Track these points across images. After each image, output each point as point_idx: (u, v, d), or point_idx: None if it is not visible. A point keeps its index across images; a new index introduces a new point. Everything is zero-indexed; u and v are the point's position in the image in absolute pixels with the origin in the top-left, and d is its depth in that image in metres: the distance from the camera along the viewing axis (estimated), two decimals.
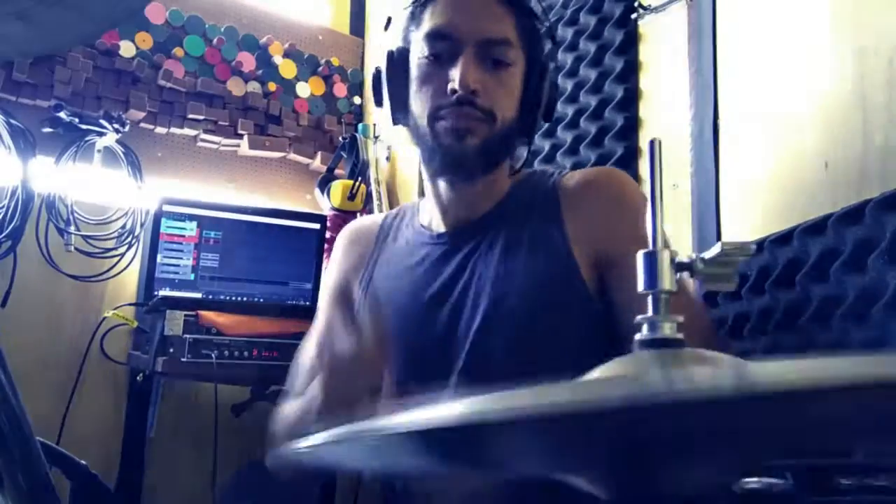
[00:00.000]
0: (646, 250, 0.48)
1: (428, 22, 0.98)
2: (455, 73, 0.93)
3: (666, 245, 0.48)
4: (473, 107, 0.94)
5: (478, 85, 0.94)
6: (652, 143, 0.49)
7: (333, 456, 0.43)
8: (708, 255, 0.48)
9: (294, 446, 0.41)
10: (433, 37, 0.97)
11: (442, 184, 1.02)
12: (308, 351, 1.06)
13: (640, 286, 0.48)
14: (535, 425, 0.31)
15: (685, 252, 0.52)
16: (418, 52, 0.99)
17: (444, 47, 0.96)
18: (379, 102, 1.04)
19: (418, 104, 0.99)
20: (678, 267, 0.48)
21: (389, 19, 1.10)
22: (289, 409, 0.97)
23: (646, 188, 0.50)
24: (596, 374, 0.45)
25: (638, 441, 0.34)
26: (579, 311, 0.94)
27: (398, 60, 1.01)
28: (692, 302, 0.92)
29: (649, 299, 0.47)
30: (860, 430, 0.35)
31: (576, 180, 1.01)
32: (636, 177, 1.31)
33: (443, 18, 0.97)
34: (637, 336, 0.47)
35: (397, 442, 0.35)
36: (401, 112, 1.02)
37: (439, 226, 1.05)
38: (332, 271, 1.14)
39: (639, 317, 0.47)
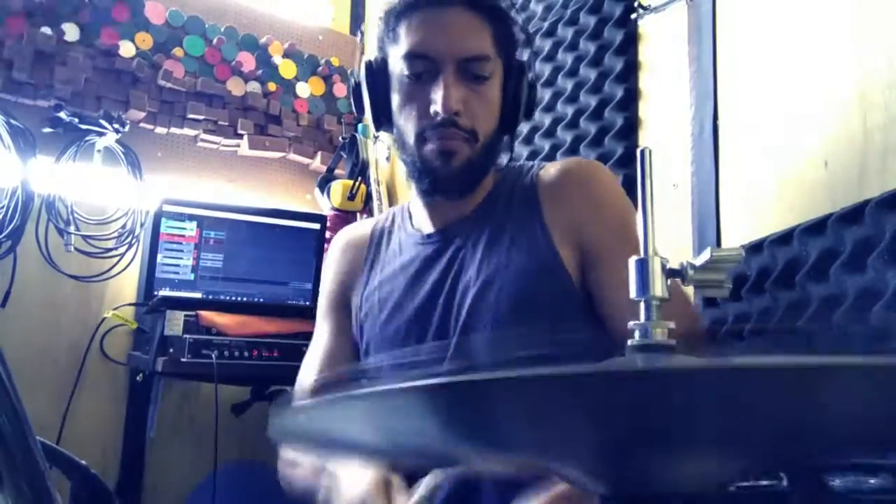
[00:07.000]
0: (637, 257, 0.48)
1: (405, 39, 0.98)
2: (437, 96, 0.95)
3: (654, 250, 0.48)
4: (456, 127, 0.96)
5: (459, 106, 0.95)
6: (643, 152, 0.49)
7: (331, 421, 0.42)
8: (698, 261, 0.49)
9: (292, 411, 0.40)
10: (412, 57, 0.97)
11: None
12: (308, 369, 1.07)
13: (633, 293, 0.48)
14: (522, 385, 0.33)
15: (686, 252, 0.52)
16: (398, 69, 1.00)
17: (423, 66, 0.97)
18: (360, 111, 1.06)
19: (403, 123, 1.00)
20: (669, 273, 0.48)
21: (361, 32, 1.11)
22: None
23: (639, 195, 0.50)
24: None
25: (624, 421, 0.34)
26: (563, 302, 0.95)
27: (377, 72, 1.02)
28: (682, 304, 0.92)
29: (641, 306, 0.47)
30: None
31: (552, 172, 1.03)
32: (636, 177, 1.31)
33: (420, 38, 0.97)
34: (629, 342, 0.47)
35: (395, 401, 0.36)
36: (383, 122, 1.04)
37: (428, 227, 1.07)
38: (327, 281, 1.15)
39: (630, 322, 0.47)
